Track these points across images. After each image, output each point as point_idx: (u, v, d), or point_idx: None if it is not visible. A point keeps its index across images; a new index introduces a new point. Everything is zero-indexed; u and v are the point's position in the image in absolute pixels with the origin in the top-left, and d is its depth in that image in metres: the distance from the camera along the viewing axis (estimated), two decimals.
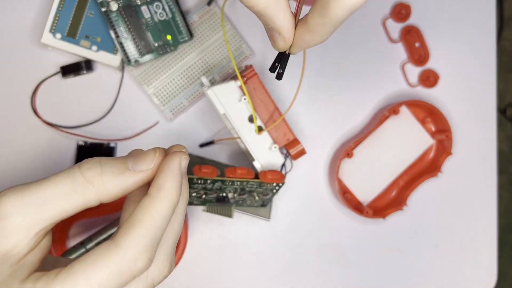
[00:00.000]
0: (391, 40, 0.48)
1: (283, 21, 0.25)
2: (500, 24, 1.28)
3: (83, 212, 0.41)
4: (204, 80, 0.40)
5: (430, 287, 0.49)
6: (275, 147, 0.40)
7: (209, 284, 0.46)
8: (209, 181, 0.36)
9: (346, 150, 0.45)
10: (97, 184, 0.22)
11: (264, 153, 0.40)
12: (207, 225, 0.46)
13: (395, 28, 0.48)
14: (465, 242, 0.49)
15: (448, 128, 0.46)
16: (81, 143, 0.44)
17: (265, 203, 0.41)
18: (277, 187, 0.39)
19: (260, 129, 0.40)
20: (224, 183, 0.37)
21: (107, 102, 0.45)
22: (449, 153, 0.46)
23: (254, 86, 0.40)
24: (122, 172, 0.23)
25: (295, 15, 0.26)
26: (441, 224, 0.49)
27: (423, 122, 0.48)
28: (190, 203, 0.38)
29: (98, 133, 0.45)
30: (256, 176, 0.39)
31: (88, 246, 0.41)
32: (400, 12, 0.48)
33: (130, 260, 0.21)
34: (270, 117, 0.41)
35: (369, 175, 0.47)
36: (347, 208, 0.45)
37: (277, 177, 0.38)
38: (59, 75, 0.44)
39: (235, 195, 0.38)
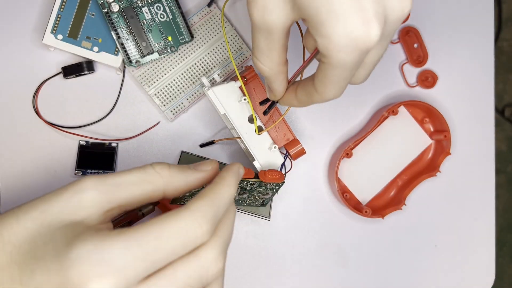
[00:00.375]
0: (390, 40, 0.48)
1: (278, 86, 0.33)
2: (499, 25, 1.28)
3: None
4: (205, 80, 0.40)
5: (428, 286, 0.49)
6: (274, 147, 0.41)
7: None
8: None
9: (345, 150, 0.45)
10: (165, 176, 0.27)
11: (264, 153, 0.41)
12: None
13: None
14: (463, 242, 0.49)
15: (446, 128, 0.46)
16: (82, 142, 0.45)
17: (265, 203, 0.42)
18: (276, 187, 0.39)
19: (260, 129, 0.41)
20: None
21: (108, 102, 0.45)
22: (448, 153, 0.46)
23: (254, 86, 0.40)
24: (185, 170, 0.29)
25: (289, 81, 0.34)
26: (439, 224, 0.49)
27: (421, 122, 0.48)
28: None
29: (100, 133, 0.45)
30: (256, 175, 0.39)
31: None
32: None
33: (194, 221, 0.24)
34: (270, 117, 0.41)
35: (368, 175, 0.48)
36: (346, 208, 0.46)
37: (277, 177, 0.38)
38: (61, 75, 0.44)
39: (236, 194, 0.39)
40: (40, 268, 0.23)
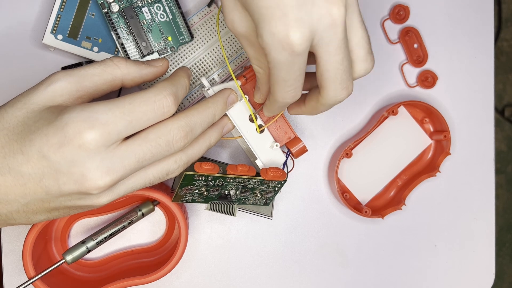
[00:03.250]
0: (390, 41, 0.48)
1: (266, 89, 0.36)
2: (498, 25, 1.28)
3: (84, 212, 0.41)
4: (204, 81, 0.40)
5: (428, 286, 0.49)
6: (276, 145, 0.41)
7: (209, 283, 0.47)
8: (210, 178, 0.36)
9: (345, 150, 0.45)
10: (122, 67, 0.33)
11: (266, 152, 0.41)
12: (207, 224, 0.47)
13: (394, 29, 0.48)
14: (463, 242, 0.49)
15: (446, 128, 0.46)
16: None
17: (268, 202, 0.42)
18: (279, 185, 0.39)
19: (260, 128, 0.41)
20: (225, 180, 0.37)
21: None
22: (448, 153, 0.47)
23: (254, 85, 0.40)
24: (140, 64, 0.34)
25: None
26: (439, 224, 0.49)
27: (421, 122, 0.48)
28: (193, 200, 0.38)
29: None
30: (258, 173, 0.39)
31: (89, 245, 0.41)
32: (399, 13, 0.48)
33: (160, 93, 0.31)
34: (271, 116, 0.41)
35: (368, 175, 0.48)
36: (346, 208, 0.46)
37: (279, 175, 0.38)
38: None
39: (237, 192, 0.39)
40: (38, 135, 0.29)
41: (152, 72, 0.35)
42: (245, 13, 0.30)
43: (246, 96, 0.39)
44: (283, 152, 0.42)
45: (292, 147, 0.41)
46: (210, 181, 0.36)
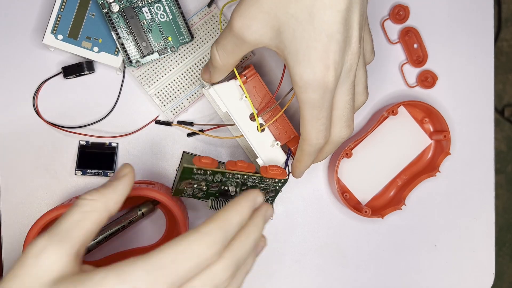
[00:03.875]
0: (390, 41, 0.48)
1: (217, 77, 0.38)
2: (498, 25, 1.28)
3: None
4: (205, 83, 0.41)
5: (428, 286, 0.49)
6: (277, 144, 0.41)
7: None
8: (209, 172, 0.36)
9: (345, 150, 0.45)
10: (99, 199, 0.28)
11: (267, 151, 0.41)
12: None
13: (394, 29, 0.48)
14: (463, 242, 0.50)
15: (446, 128, 0.46)
16: (83, 142, 0.45)
17: (269, 201, 0.41)
18: (279, 184, 0.39)
19: (261, 127, 0.41)
20: (224, 176, 0.37)
21: (108, 102, 0.45)
22: (447, 153, 0.47)
23: (254, 84, 0.41)
24: (111, 184, 0.30)
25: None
26: (439, 224, 0.49)
27: (421, 122, 0.48)
28: (193, 195, 0.38)
29: (100, 133, 0.45)
30: (258, 172, 0.39)
31: (89, 245, 0.41)
32: (399, 13, 0.48)
33: (205, 244, 0.25)
34: (271, 115, 0.41)
35: (368, 175, 0.48)
36: (346, 208, 0.46)
37: (278, 172, 0.38)
38: (61, 75, 0.44)
39: (237, 189, 0.38)
40: None
41: (127, 184, 0.30)
42: (271, 34, 0.32)
43: (246, 94, 0.39)
44: (284, 151, 0.42)
45: (293, 146, 0.41)
46: (209, 175, 0.36)
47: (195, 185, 0.37)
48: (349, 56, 0.32)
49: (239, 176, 0.37)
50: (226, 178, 0.38)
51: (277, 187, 0.39)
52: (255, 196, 0.30)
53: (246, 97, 0.40)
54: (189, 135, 0.46)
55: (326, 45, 0.31)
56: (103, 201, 0.28)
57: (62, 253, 0.26)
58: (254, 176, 0.38)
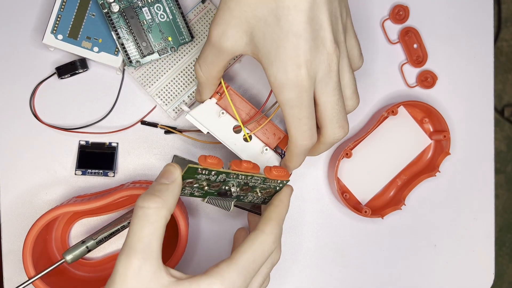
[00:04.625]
0: (390, 41, 0.48)
1: (207, 93, 0.40)
2: (498, 25, 1.28)
3: (84, 211, 0.41)
4: (184, 107, 0.41)
5: (428, 286, 0.49)
6: (266, 149, 0.41)
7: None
8: (213, 173, 0.35)
9: (345, 150, 0.45)
10: (160, 204, 0.31)
11: (257, 159, 0.41)
12: (207, 224, 0.47)
13: (394, 29, 0.48)
14: (463, 242, 0.50)
15: (446, 128, 0.46)
16: (82, 142, 0.45)
17: (266, 201, 0.41)
18: (280, 185, 0.39)
19: (242, 134, 0.41)
20: (228, 176, 0.37)
21: (108, 102, 0.45)
22: (447, 153, 0.47)
23: (230, 98, 0.41)
24: (166, 187, 0.32)
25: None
26: (439, 224, 0.49)
27: (421, 122, 0.48)
28: (191, 194, 0.38)
29: (100, 133, 0.45)
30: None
31: (89, 244, 0.41)
32: (399, 13, 0.48)
33: (272, 243, 0.33)
34: (256, 123, 0.41)
35: (368, 175, 0.48)
36: (346, 208, 0.46)
37: (283, 174, 0.38)
38: (56, 76, 0.44)
39: (238, 189, 0.38)
40: None
41: (179, 185, 0.33)
42: (245, 40, 0.34)
43: (224, 111, 0.39)
44: (277, 153, 0.42)
45: (285, 146, 0.42)
46: (213, 175, 0.36)
47: (196, 185, 0.37)
48: (324, 56, 0.33)
49: (243, 176, 0.37)
50: (229, 179, 0.37)
51: (278, 188, 0.39)
52: (291, 191, 0.38)
53: (224, 113, 0.40)
54: (166, 132, 0.46)
55: (295, 44, 0.32)
56: (167, 207, 0.31)
57: (155, 266, 0.30)
58: (257, 176, 0.37)
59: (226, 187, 0.38)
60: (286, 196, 0.37)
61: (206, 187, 0.37)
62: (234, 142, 0.41)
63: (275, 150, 0.42)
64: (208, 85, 0.39)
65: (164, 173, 0.33)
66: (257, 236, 0.33)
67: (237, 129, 0.41)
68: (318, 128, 0.37)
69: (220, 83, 0.40)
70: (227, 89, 0.41)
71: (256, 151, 0.41)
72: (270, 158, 0.41)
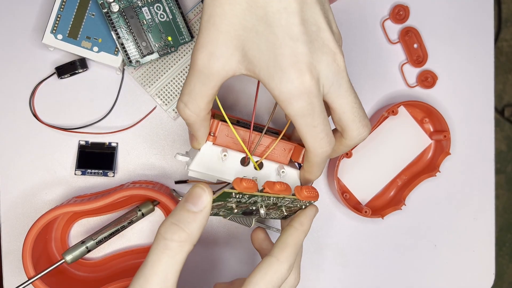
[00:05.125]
0: (390, 41, 0.48)
1: (203, 134, 0.35)
2: (498, 25, 1.28)
3: (84, 211, 0.41)
4: (181, 158, 0.37)
5: (428, 286, 0.49)
6: (283, 171, 0.37)
7: (208, 281, 0.47)
8: (246, 196, 0.32)
9: None
10: (187, 235, 0.30)
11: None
12: (208, 223, 0.47)
13: (394, 29, 0.48)
14: (463, 242, 0.49)
15: (446, 128, 0.46)
16: (82, 142, 0.45)
17: (288, 217, 0.38)
18: (307, 204, 0.36)
19: (260, 165, 0.38)
20: (258, 198, 0.33)
21: (108, 102, 0.45)
22: (447, 153, 0.47)
23: (226, 132, 0.37)
24: (190, 219, 0.30)
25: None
26: (439, 224, 0.49)
27: (421, 122, 0.48)
28: (215, 214, 0.34)
29: (99, 133, 0.45)
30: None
31: (89, 245, 0.41)
32: (399, 13, 0.48)
33: (286, 270, 0.32)
34: (261, 145, 0.38)
35: (368, 175, 0.48)
36: (346, 208, 0.46)
37: (313, 195, 0.35)
38: (56, 76, 0.44)
39: (266, 209, 0.35)
40: None
41: (207, 215, 0.30)
42: (237, 57, 0.30)
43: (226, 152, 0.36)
44: (295, 167, 0.38)
45: (299, 157, 0.38)
46: (245, 198, 0.33)
47: (224, 207, 0.33)
48: (330, 57, 0.30)
49: (274, 198, 0.34)
50: (260, 201, 0.34)
51: (303, 207, 0.36)
52: (315, 213, 0.36)
53: (226, 155, 0.36)
54: (176, 182, 0.45)
55: (293, 49, 0.29)
56: (191, 241, 0.29)
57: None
58: (288, 198, 0.34)
59: (254, 208, 0.35)
60: (307, 219, 0.35)
61: (235, 210, 0.34)
62: (245, 175, 0.37)
63: (290, 165, 0.39)
64: (201, 123, 0.34)
65: (191, 197, 0.30)
66: (271, 264, 0.32)
67: (245, 162, 0.37)
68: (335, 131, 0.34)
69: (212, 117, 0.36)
70: (220, 126, 0.36)
71: (272, 174, 0.38)
72: (291, 178, 0.38)
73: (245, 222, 0.38)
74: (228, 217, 0.36)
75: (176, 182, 0.45)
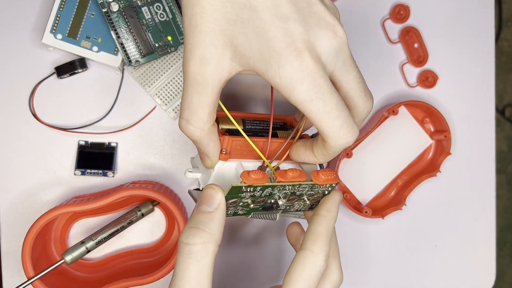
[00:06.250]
0: (390, 40, 0.48)
1: (213, 148, 0.32)
2: (499, 25, 1.28)
3: (83, 212, 0.41)
4: (191, 175, 0.35)
5: (428, 287, 0.49)
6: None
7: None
8: (259, 188, 0.31)
9: (345, 150, 0.45)
10: (208, 237, 0.29)
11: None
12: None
13: (394, 28, 0.48)
14: (464, 242, 0.49)
15: (446, 128, 0.46)
16: (82, 142, 0.45)
17: (314, 206, 0.37)
18: (329, 188, 0.34)
19: (275, 167, 0.36)
20: (274, 189, 0.32)
21: (107, 102, 0.45)
22: (448, 153, 0.46)
23: (238, 145, 0.34)
24: (208, 220, 0.29)
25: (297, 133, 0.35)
26: (440, 224, 0.49)
27: (422, 122, 0.48)
28: (234, 213, 0.34)
29: (99, 133, 0.45)
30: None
31: (89, 245, 0.41)
32: (399, 13, 0.48)
33: (323, 261, 0.31)
34: (274, 150, 0.36)
35: (368, 175, 0.48)
36: (347, 208, 0.46)
37: (332, 177, 0.33)
38: (55, 76, 0.44)
39: (284, 200, 0.34)
40: None
41: (224, 211, 0.30)
42: (229, 55, 0.28)
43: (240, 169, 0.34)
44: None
45: (296, 123, 0.37)
46: (258, 191, 0.32)
47: (240, 204, 0.32)
48: (329, 31, 0.28)
49: (289, 187, 0.33)
50: (275, 191, 0.33)
51: (326, 192, 0.35)
52: (340, 198, 0.34)
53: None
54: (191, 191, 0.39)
55: (285, 29, 0.27)
56: (214, 240, 0.28)
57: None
58: (305, 184, 0.33)
59: (272, 201, 0.34)
60: (333, 204, 0.33)
61: (251, 205, 0.33)
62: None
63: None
64: (209, 137, 0.31)
65: (204, 199, 0.29)
66: (306, 257, 0.30)
67: (262, 168, 0.35)
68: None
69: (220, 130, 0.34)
70: (229, 141, 0.33)
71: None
72: (308, 168, 0.36)
73: (269, 217, 0.36)
74: (250, 216, 0.35)
75: (191, 191, 0.38)
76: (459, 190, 0.49)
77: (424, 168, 0.48)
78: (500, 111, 1.28)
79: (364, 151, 0.47)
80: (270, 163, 0.34)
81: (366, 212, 0.46)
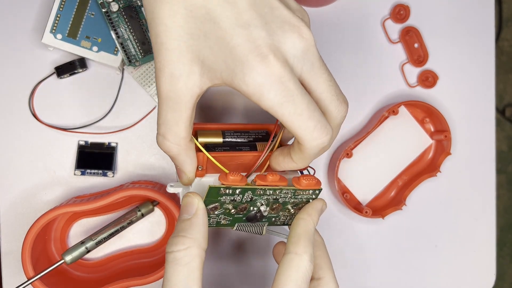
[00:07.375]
0: (390, 40, 0.48)
1: (190, 165, 0.32)
2: (499, 25, 1.28)
3: (83, 212, 0.41)
4: (172, 190, 0.34)
5: (428, 287, 0.49)
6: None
7: (208, 280, 0.47)
8: (238, 191, 0.31)
9: (345, 150, 0.45)
10: (192, 240, 0.29)
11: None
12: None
13: (394, 28, 0.48)
14: (464, 242, 0.49)
15: (447, 128, 0.46)
16: (82, 142, 0.45)
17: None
18: (313, 196, 0.34)
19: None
20: (254, 193, 0.32)
21: (107, 102, 0.45)
22: (448, 153, 0.46)
23: (211, 164, 0.34)
24: (193, 225, 0.30)
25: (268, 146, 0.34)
26: (440, 224, 0.49)
27: (422, 122, 0.48)
28: (218, 223, 0.34)
29: (99, 133, 0.45)
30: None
31: (89, 245, 0.41)
32: (399, 13, 0.48)
33: (308, 263, 0.31)
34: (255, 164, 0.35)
35: (368, 175, 0.48)
36: (347, 208, 0.46)
37: (314, 182, 0.33)
38: (55, 76, 0.44)
39: (268, 208, 0.34)
40: None
41: (204, 216, 0.30)
42: (198, 71, 0.28)
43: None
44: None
45: (274, 131, 0.36)
46: (238, 195, 0.32)
47: (221, 210, 0.32)
48: (294, 34, 0.27)
49: (270, 191, 0.32)
50: (256, 196, 0.33)
51: (311, 200, 0.35)
52: (322, 206, 0.34)
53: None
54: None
55: (246, 35, 0.26)
56: (197, 244, 0.29)
57: None
58: (287, 189, 0.33)
59: (255, 208, 0.34)
60: (314, 210, 0.33)
61: (232, 210, 0.33)
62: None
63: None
64: (186, 153, 0.31)
65: (183, 208, 0.30)
66: (291, 260, 0.30)
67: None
68: None
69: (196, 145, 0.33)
70: (204, 157, 0.33)
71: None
72: (293, 174, 0.36)
73: (255, 231, 0.36)
74: (235, 227, 0.35)
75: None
76: (459, 190, 0.49)
77: (424, 168, 0.48)
78: (500, 111, 1.28)
79: (364, 151, 0.47)
80: (250, 175, 0.34)
81: (366, 212, 0.46)
